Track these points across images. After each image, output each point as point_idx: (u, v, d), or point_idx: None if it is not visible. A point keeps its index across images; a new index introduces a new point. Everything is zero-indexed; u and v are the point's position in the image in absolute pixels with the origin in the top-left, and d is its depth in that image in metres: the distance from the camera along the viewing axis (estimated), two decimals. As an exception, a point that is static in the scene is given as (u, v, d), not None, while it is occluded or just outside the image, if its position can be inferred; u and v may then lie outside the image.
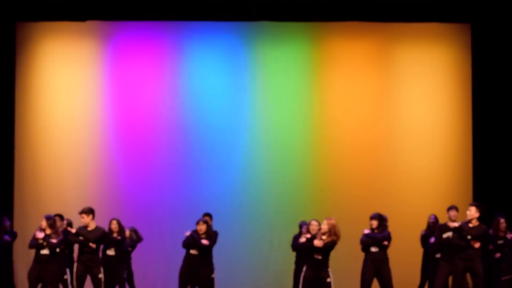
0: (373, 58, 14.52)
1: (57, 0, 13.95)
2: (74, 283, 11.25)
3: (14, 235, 12.75)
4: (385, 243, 11.24)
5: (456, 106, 14.49)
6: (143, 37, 14.51)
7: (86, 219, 11.19)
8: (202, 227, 11.48)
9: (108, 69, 14.49)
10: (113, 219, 12.08)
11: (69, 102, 14.37)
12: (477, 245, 10.67)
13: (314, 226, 11.33)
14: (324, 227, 10.19)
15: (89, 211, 11.27)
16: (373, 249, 11.19)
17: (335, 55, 14.55)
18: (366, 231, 11.27)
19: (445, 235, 11.00)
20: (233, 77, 14.47)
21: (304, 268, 10.31)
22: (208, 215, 12.10)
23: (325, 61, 14.56)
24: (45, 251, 10.90)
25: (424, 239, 12.65)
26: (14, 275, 13.34)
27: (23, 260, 13.35)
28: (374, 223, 11.23)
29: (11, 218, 13.49)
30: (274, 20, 14.37)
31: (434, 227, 12.30)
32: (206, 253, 11.55)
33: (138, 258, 12.75)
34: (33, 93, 14.38)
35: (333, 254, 10.35)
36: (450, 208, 11.51)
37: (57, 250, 10.97)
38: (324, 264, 10.28)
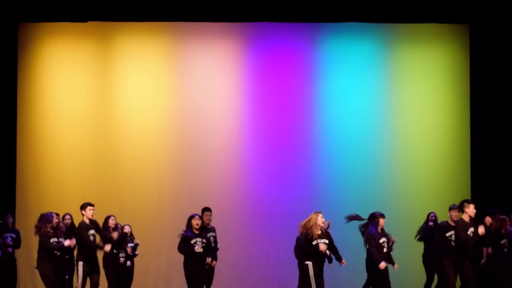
0: (372, 59, 14.61)
1: (59, 1, 14.01)
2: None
3: (17, 243, 12.84)
4: None
5: (455, 105, 14.60)
6: (144, 37, 14.57)
7: (91, 212, 11.29)
8: (199, 222, 11.27)
9: (109, 69, 14.55)
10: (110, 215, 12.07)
11: (70, 102, 14.44)
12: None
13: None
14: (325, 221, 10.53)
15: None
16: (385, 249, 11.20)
17: (335, 55, 14.64)
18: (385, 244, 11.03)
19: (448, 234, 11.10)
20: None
21: (311, 264, 10.40)
22: (208, 209, 12.10)
23: (325, 61, 14.62)
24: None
25: (427, 234, 12.65)
26: (17, 274, 13.37)
27: (25, 259, 13.41)
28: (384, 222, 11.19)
29: (13, 216, 13.56)
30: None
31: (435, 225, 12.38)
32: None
33: (139, 258, 12.77)
34: (34, 93, 14.46)
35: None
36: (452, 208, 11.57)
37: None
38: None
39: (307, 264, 10.48)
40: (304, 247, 10.64)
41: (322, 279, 10.52)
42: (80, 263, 11.21)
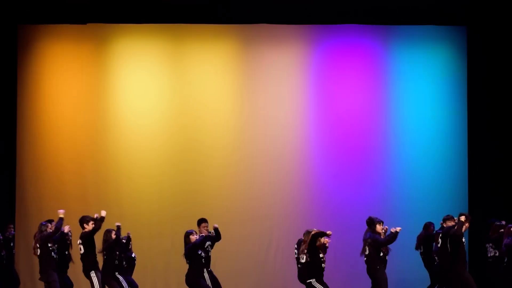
0: (370, 60, 14.66)
1: (58, 3, 14.05)
2: None
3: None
4: None
5: (452, 107, 14.64)
6: (143, 39, 14.60)
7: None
8: (197, 237, 11.67)
9: (109, 71, 14.59)
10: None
11: (70, 104, 14.47)
12: None
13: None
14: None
15: None
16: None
17: (331, 57, 14.66)
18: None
19: None
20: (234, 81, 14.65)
21: (314, 280, 10.62)
22: (205, 221, 12.19)
23: (321, 62, 14.65)
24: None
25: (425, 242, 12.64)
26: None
27: (25, 262, 13.48)
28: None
29: (13, 219, 13.67)
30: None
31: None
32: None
33: (138, 259, 12.81)
34: (34, 95, 14.48)
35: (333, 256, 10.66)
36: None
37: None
38: None
39: (310, 282, 10.63)
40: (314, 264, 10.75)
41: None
42: (92, 272, 11.32)
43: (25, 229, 13.50)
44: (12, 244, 12.62)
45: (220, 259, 12.89)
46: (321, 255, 10.68)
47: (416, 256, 12.69)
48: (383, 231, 11.03)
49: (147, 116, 14.49)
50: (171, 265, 13.75)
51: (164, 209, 14.28)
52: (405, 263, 13.46)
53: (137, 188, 14.31)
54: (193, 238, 11.51)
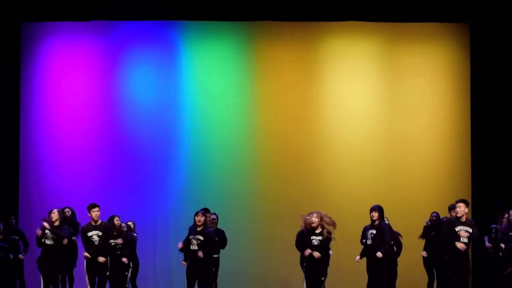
0: (373, 58, 14.67)
1: (61, 1, 14.08)
2: None
3: (18, 247, 12.90)
4: None
5: (455, 104, 14.66)
6: (146, 36, 14.63)
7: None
8: (201, 219, 11.38)
9: (112, 69, 14.62)
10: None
11: (73, 101, 14.52)
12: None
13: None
14: (315, 219, 10.89)
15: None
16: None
17: (335, 54, 14.71)
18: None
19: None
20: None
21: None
22: (206, 210, 12.17)
23: (325, 60, 14.70)
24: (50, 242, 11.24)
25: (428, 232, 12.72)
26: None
27: (28, 259, 13.46)
28: (375, 215, 11.27)
29: (16, 216, 13.67)
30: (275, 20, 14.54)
31: (436, 224, 12.47)
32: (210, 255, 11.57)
33: (141, 257, 12.88)
34: (37, 92, 14.53)
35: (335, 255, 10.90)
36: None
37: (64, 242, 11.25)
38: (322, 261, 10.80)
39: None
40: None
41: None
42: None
43: (28, 227, 13.47)
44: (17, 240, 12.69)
45: (222, 257, 12.91)
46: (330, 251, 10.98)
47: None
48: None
49: (151, 112, 14.53)
50: (174, 262, 13.74)
51: (167, 207, 14.30)
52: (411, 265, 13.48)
53: (139, 186, 14.35)
54: (197, 219, 11.37)
